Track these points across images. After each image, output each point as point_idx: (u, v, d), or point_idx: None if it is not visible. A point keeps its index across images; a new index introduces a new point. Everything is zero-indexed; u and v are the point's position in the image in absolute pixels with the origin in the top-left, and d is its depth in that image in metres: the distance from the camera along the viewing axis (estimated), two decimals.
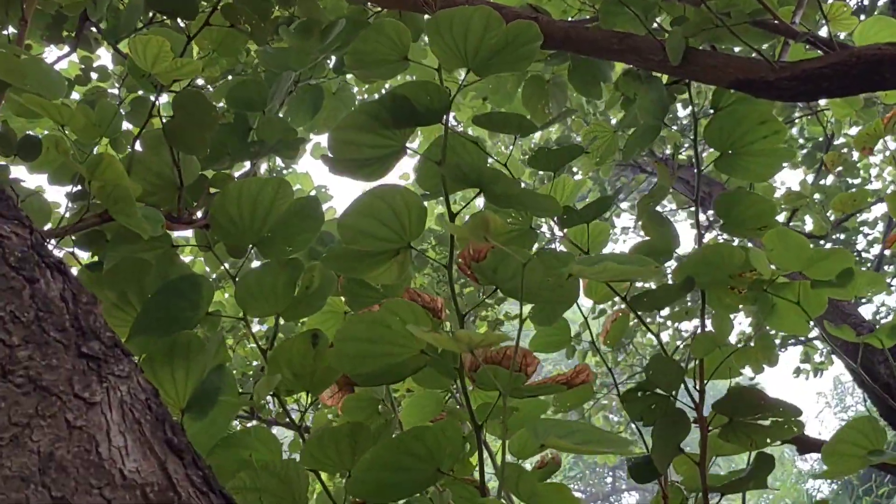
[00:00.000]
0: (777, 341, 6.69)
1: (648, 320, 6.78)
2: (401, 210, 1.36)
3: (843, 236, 6.76)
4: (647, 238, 1.66)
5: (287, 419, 1.65)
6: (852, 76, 1.63)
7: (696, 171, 1.81)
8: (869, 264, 6.90)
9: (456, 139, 1.54)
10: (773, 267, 1.62)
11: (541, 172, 6.46)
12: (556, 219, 1.58)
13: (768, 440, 1.59)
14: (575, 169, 7.10)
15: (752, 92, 1.72)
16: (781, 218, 5.98)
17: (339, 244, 1.47)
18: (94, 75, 3.08)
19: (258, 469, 1.15)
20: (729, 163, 1.80)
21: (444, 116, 1.47)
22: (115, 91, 3.10)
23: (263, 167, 5.01)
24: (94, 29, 2.48)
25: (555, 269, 1.17)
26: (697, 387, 1.61)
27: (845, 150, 5.97)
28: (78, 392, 0.75)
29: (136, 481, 0.75)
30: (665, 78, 1.98)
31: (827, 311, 1.71)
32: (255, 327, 4.38)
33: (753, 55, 1.76)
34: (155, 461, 0.78)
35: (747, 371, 1.93)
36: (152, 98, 1.68)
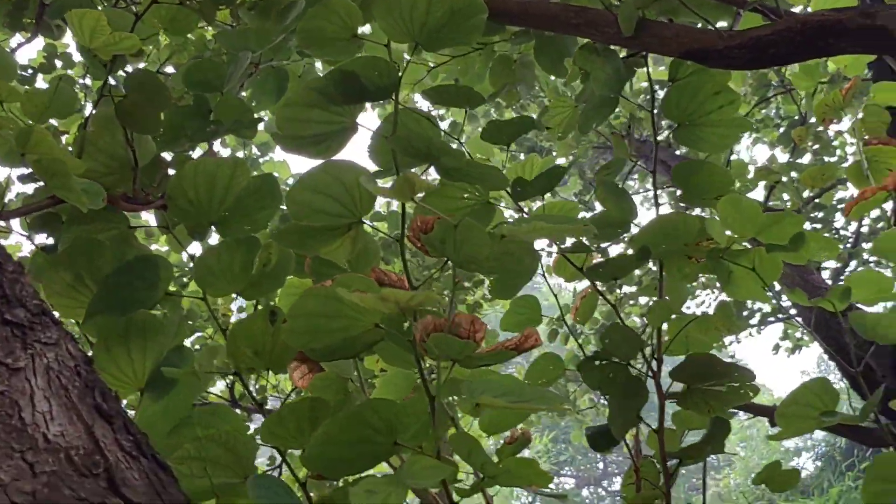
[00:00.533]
0: (756, 319, 6.73)
1: (632, 302, 6.82)
2: (351, 185, 1.36)
3: (821, 214, 6.80)
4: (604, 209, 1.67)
5: (251, 401, 1.65)
6: (798, 43, 1.64)
7: (654, 142, 1.82)
8: (848, 242, 6.96)
9: (409, 115, 1.54)
10: (728, 234, 1.64)
11: (520, 155, 6.47)
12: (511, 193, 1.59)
13: (725, 405, 1.60)
14: (555, 153, 7.12)
15: (704, 61, 1.73)
16: (760, 195, 6.02)
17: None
18: (59, 63, 3.06)
19: (203, 439, 1.15)
20: (687, 134, 1.81)
21: (394, 92, 1.47)
22: (86, 82, 3.09)
23: (241, 154, 5.00)
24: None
25: (495, 236, 1.17)
26: (657, 355, 1.62)
27: (820, 128, 5.99)
28: (0, 358, 0.76)
29: (60, 445, 0.75)
30: (623, 52, 1.99)
31: (798, 285, 1.73)
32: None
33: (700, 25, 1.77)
34: (82, 426, 0.78)
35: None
36: (112, 80, 1.67)
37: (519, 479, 1.42)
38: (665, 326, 1.69)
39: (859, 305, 1.72)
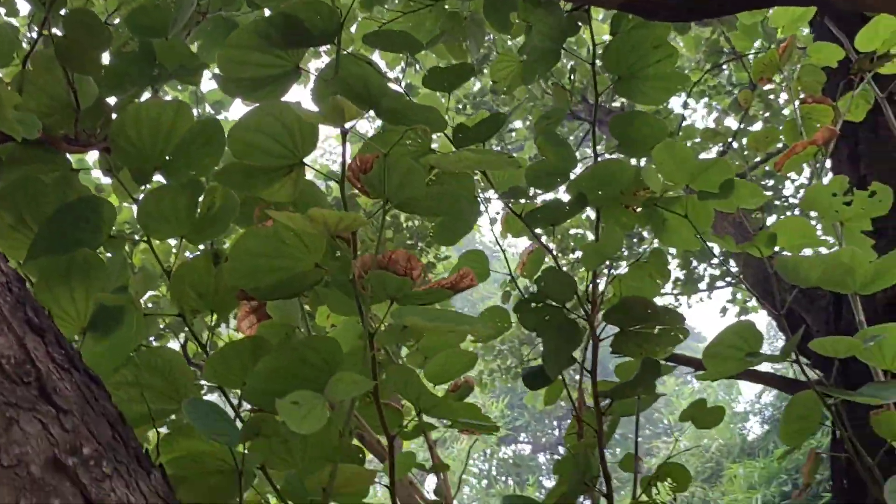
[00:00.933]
0: (705, 283, 6.89)
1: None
2: (292, 126, 1.38)
3: (771, 182, 6.95)
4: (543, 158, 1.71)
5: (195, 341, 1.67)
6: None
7: (594, 92, 1.86)
8: (796, 209, 7.11)
9: (351, 59, 1.56)
10: (663, 183, 1.69)
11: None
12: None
13: (657, 347, 1.67)
14: (522, 123, 7.15)
15: (642, 13, 1.77)
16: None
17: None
18: (2, 10, 3.00)
19: (141, 367, 1.18)
20: (626, 87, 1.85)
21: (336, 37, 1.48)
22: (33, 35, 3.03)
23: (195, 112, 4.93)
24: None
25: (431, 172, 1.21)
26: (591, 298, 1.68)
27: (771, 96, 6.13)
28: None
29: None
30: (568, 7, 2.02)
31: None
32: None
33: None
34: (13, 337, 0.80)
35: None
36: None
37: (456, 414, 1.47)
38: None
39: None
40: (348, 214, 0.98)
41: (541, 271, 1.66)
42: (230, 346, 1.48)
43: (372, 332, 1.40)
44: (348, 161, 1.37)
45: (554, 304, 1.63)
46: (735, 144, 6.17)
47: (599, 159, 1.70)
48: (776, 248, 1.72)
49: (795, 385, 3.29)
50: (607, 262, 1.79)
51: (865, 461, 1.45)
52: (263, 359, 1.34)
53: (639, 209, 1.77)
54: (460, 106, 6.56)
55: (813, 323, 3.04)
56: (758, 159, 5.95)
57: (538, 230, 1.81)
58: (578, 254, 6.30)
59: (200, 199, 1.60)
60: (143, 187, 1.76)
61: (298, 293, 1.47)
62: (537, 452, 27.63)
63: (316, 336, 1.39)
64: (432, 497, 2.08)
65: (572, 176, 1.73)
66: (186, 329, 1.63)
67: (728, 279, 6.76)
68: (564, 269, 1.91)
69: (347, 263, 1.43)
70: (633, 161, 1.80)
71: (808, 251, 1.81)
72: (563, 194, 1.75)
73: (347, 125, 1.11)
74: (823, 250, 1.86)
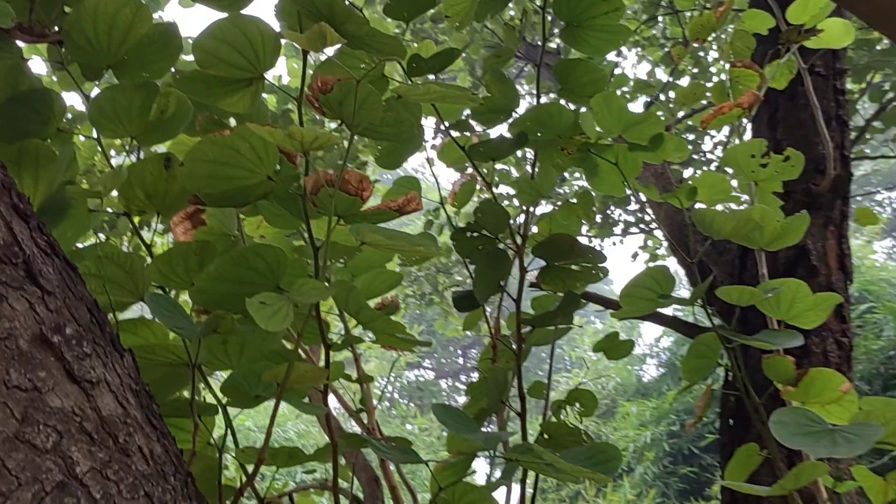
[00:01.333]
0: (619, 228, 7.15)
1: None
2: (255, 39, 1.42)
3: (692, 136, 7.19)
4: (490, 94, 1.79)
5: (141, 240, 1.71)
6: None
7: (542, 34, 1.94)
8: (713, 165, 7.41)
9: None
10: (598, 130, 1.80)
11: (413, 45, 6.46)
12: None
13: (578, 282, 1.80)
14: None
15: None
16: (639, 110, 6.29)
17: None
18: None
19: (102, 258, 1.23)
20: (573, 35, 1.93)
21: None
22: None
23: None
24: None
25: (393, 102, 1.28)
26: (521, 231, 1.79)
27: (701, 53, 6.31)
28: None
29: None
30: None
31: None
32: None
33: None
34: (1, 221, 0.85)
35: None
36: None
37: (390, 329, 1.57)
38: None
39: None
40: (324, 132, 1.05)
41: (478, 203, 1.75)
42: (176, 249, 1.54)
43: (318, 245, 1.48)
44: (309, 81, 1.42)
45: (488, 234, 1.74)
46: (661, 97, 6.36)
47: (542, 101, 1.79)
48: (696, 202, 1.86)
49: (695, 329, 3.52)
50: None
51: (753, 399, 1.61)
52: (214, 262, 1.40)
53: (573, 152, 1.87)
54: (398, 30, 6.53)
55: (719, 273, 3.25)
56: (682, 114, 6.16)
57: (478, 165, 1.90)
58: (504, 190, 6.44)
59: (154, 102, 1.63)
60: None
61: (249, 203, 1.53)
62: (440, 378, 28.34)
63: (261, 244, 1.46)
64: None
65: (514, 115, 1.82)
66: (131, 228, 1.67)
67: (642, 226, 7.04)
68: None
69: (299, 179, 1.50)
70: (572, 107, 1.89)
71: (720, 207, 1.96)
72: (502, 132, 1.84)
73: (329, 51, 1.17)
74: (733, 206, 2.02)
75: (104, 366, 0.88)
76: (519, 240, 1.76)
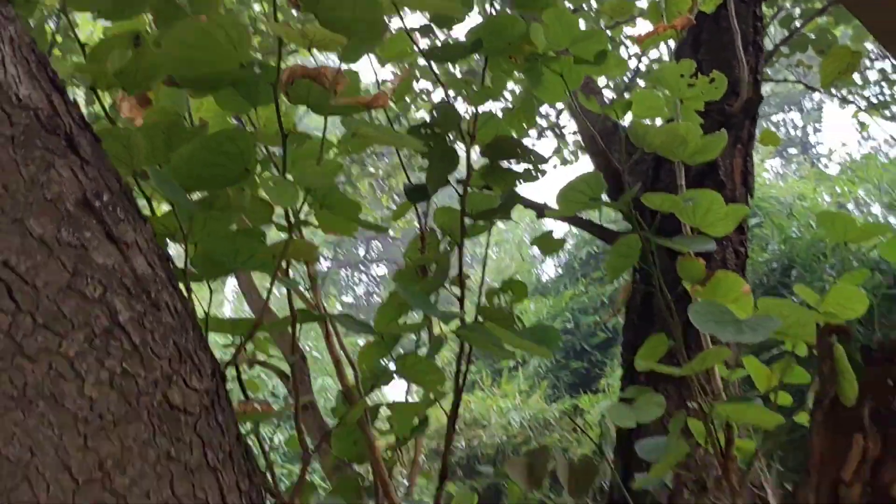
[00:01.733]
0: (535, 131, 7.36)
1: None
2: None
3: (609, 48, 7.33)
4: None
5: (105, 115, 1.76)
6: None
7: None
8: (628, 76, 7.64)
9: None
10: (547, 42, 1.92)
11: None
12: None
13: (519, 181, 1.96)
14: None
15: None
16: None
17: None
18: None
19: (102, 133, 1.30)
20: None
21: None
22: None
23: None
24: None
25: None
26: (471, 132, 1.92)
27: None
28: None
29: (28, 105, 0.91)
30: None
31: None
32: None
33: None
34: (42, 93, 0.94)
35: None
36: None
37: (345, 213, 1.70)
38: None
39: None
40: (330, 33, 1.14)
41: (431, 105, 1.87)
42: (144, 128, 1.62)
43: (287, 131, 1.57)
44: None
45: (439, 132, 1.86)
46: (586, 7, 6.47)
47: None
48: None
49: (610, 234, 3.78)
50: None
51: (666, 296, 1.83)
52: (188, 144, 1.49)
53: (520, 60, 2.00)
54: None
55: (633, 182, 3.48)
56: (602, 24, 6.30)
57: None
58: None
59: None
60: None
61: (222, 87, 1.60)
62: (339, 268, 28.65)
63: (233, 129, 1.54)
64: None
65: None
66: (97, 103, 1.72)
67: (555, 130, 7.26)
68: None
69: (273, 69, 1.58)
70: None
71: (647, 121, 2.14)
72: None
73: None
74: (658, 121, 2.20)
75: (134, 230, 0.98)
76: (469, 140, 1.90)
